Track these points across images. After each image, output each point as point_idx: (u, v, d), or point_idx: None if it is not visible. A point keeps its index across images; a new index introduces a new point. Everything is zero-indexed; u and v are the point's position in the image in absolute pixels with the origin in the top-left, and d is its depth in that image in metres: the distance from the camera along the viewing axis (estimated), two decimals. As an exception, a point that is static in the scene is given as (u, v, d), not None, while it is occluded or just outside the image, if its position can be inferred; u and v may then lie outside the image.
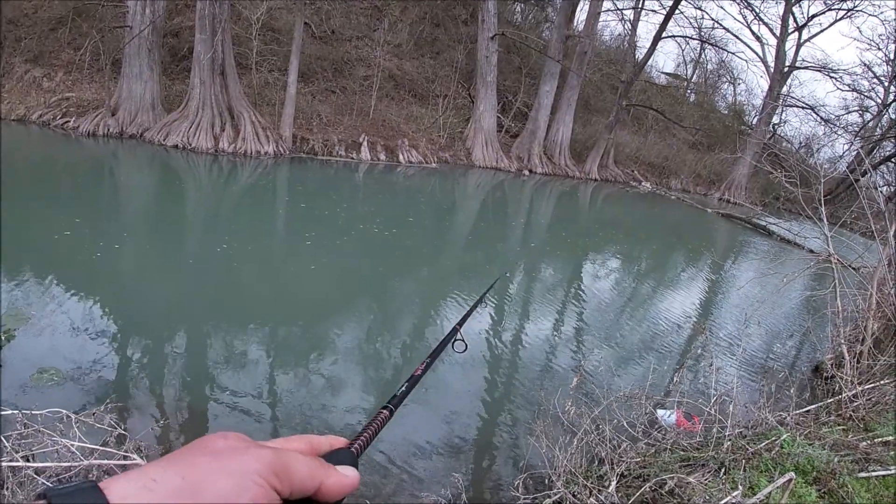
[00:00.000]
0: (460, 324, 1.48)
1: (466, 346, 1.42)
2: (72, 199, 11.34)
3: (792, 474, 3.50)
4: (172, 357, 6.08)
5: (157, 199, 13.27)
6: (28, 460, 3.40)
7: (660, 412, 5.63)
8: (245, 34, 20.47)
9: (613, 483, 3.81)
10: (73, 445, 3.49)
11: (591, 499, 3.76)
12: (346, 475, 0.60)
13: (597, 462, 4.62)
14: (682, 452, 4.66)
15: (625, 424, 5.09)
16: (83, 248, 8.49)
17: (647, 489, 3.82)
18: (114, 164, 16.18)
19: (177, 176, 15.78)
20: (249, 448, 0.53)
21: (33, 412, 3.65)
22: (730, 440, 4.60)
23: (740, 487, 3.54)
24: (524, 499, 4.17)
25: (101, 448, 3.63)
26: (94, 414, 3.95)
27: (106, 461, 3.56)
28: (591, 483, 4.08)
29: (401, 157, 22.44)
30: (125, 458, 3.63)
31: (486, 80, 25.50)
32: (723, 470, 4.25)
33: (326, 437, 0.65)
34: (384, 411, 0.81)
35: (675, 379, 6.82)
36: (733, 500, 3.34)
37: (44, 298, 6.68)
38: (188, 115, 17.93)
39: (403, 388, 0.93)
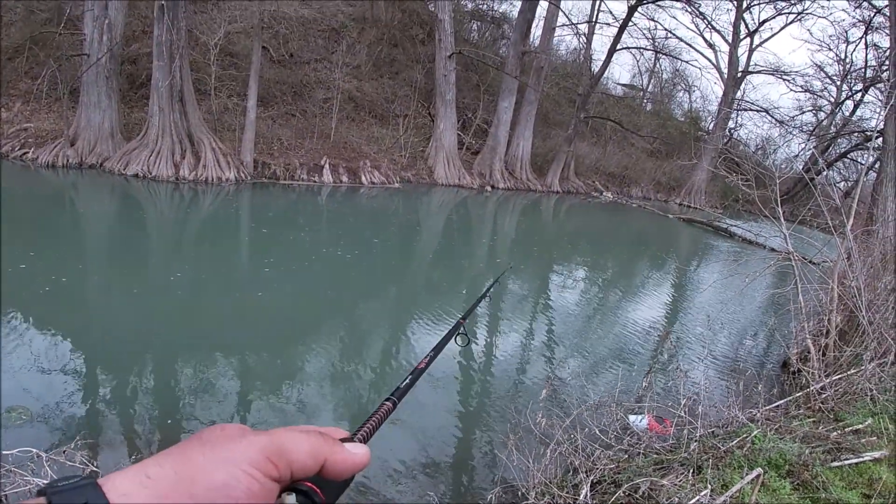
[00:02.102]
0: (464, 318, 1.47)
1: (469, 340, 1.40)
2: (30, 232, 11.00)
3: (760, 469, 3.49)
4: (139, 390, 5.91)
5: (117, 229, 12.96)
6: (1, 501, 3.28)
7: (631, 417, 5.61)
8: (203, 59, 20.27)
9: (585, 490, 3.75)
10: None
11: (564, 508, 3.70)
12: (354, 452, 0.57)
13: (571, 471, 4.57)
14: (655, 456, 4.64)
15: (597, 432, 5.05)
16: (37, 281, 8.21)
17: (622, 494, 3.78)
18: (73, 195, 15.81)
19: (137, 205, 15.47)
20: (245, 436, 0.51)
21: (3, 452, 3.57)
22: (701, 440, 4.59)
23: (709, 486, 3.52)
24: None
25: None
26: (64, 452, 3.84)
27: (79, 499, 3.44)
28: (566, 492, 4.02)
29: (363, 178, 22.36)
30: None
31: (446, 98, 25.65)
32: (696, 470, 4.24)
33: (328, 428, 0.61)
34: (387, 403, 0.82)
35: (644, 384, 6.81)
36: (704, 499, 3.31)
37: (4, 335, 6.45)
38: (148, 144, 17.62)
39: (407, 381, 0.94)
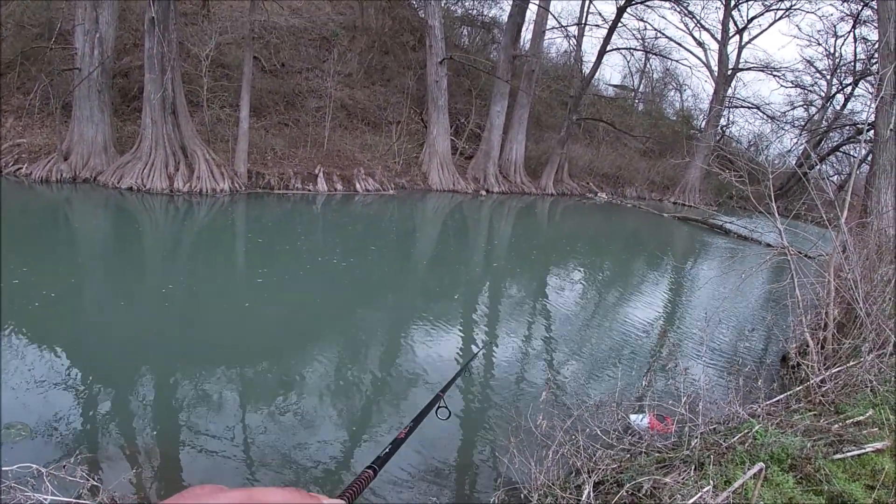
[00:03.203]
0: (443, 391, 1.48)
1: (450, 413, 1.42)
2: (24, 248, 10.95)
3: (761, 464, 3.48)
4: (140, 402, 5.89)
5: (112, 243, 12.92)
6: None
7: (632, 417, 5.60)
8: (195, 71, 20.25)
9: (588, 490, 3.74)
10: (46, 500, 3.44)
11: (567, 508, 3.68)
12: None
13: (573, 472, 4.56)
14: (657, 454, 4.63)
15: (598, 432, 5.04)
16: (31, 296, 8.17)
17: (625, 493, 3.76)
18: (68, 210, 15.76)
19: (131, 219, 15.43)
20: (222, 491, 0.53)
21: (4, 468, 3.58)
22: (703, 437, 4.59)
23: (712, 482, 3.51)
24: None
25: (75, 501, 3.57)
26: (64, 467, 3.83)
27: (81, 513, 3.47)
28: (569, 493, 4.01)
29: (357, 186, 22.36)
30: None
31: (438, 104, 25.68)
32: (699, 467, 4.23)
33: (313, 494, 0.62)
34: (368, 471, 0.82)
35: (644, 383, 6.81)
36: (707, 496, 3.30)
37: (3, 351, 6.43)
38: (141, 157, 17.58)
39: (388, 450, 0.97)
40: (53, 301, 8.21)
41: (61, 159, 17.48)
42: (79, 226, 14.34)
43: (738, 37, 33.96)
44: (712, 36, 34.32)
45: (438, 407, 1.42)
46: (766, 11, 33.10)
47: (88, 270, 10.55)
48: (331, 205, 19.90)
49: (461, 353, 8.16)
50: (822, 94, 36.10)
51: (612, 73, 71.71)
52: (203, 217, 16.16)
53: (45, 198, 16.16)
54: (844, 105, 34.95)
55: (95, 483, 3.86)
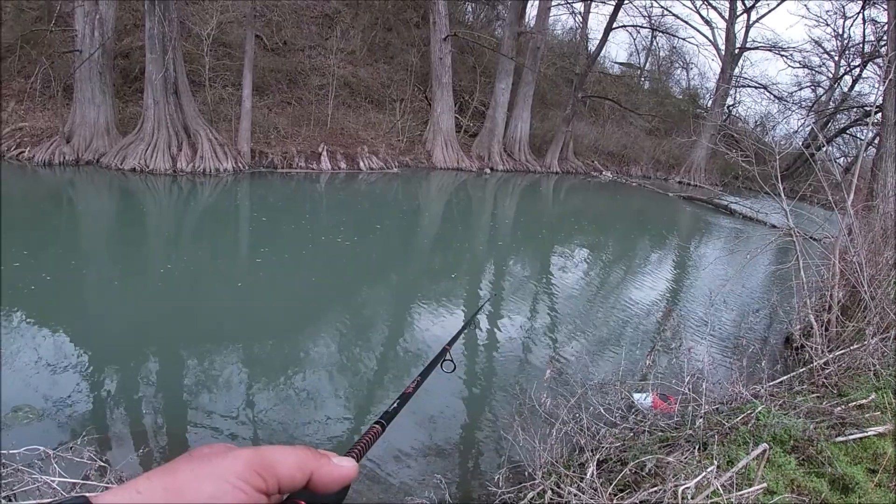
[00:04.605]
0: (450, 344, 1.51)
1: (455, 366, 1.48)
2: (28, 231, 10.98)
3: (765, 445, 3.51)
4: (145, 383, 5.95)
5: (115, 225, 12.95)
6: (10, 500, 3.33)
7: (636, 395, 5.63)
8: (196, 51, 20.10)
9: (591, 469, 3.78)
10: (53, 482, 3.43)
11: (571, 487, 3.72)
12: (341, 464, 0.57)
13: (577, 451, 4.60)
14: (660, 433, 4.66)
15: (602, 411, 5.08)
16: (34, 278, 8.21)
17: (628, 472, 3.80)
18: (71, 192, 15.79)
19: (135, 200, 15.44)
20: (231, 451, 0.52)
21: (10, 451, 3.58)
22: (706, 417, 4.62)
23: (715, 462, 3.54)
24: (506, 493, 4.13)
25: (83, 482, 3.58)
26: (72, 448, 3.86)
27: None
28: (572, 471, 4.05)
29: (361, 164, 22.29)
30: (107, 490, 3.54)
31: (442, 81, 25.48)
32: (702, 447, 4.26)
33: (323, 452, 0.61)
34: (376, 426, 0.82)
35: (648, 362, 6.84)
36: (711, 475, 3.33)
37: (5, 334, 6.47)
38: (144, 137, 17.53)
39: (395, 405, 0.96)
40: (55, 283, 8.25)
41: (64, 142, 17.43)
42: (82, 208, 14.37)
43: (745, 15, 33.50)
44: (720, 14, 33.89)
45: (444, 360, 1.45)
46: (775, -10, 32.64)
47: (92, 252, 10.60)
48: (334, 183, 19.87)
49: (466, 331, 8.19)
50: (830, 76, 35.70)
51: (618, 50, 71.22)
52: (207, 197, 16.16)
53: (47, 181, 16.16)
54: (852, 87, 34.58)
55: (103, 464, 3.88)
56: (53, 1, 20.28)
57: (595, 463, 3.95)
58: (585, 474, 3.87)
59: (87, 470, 3.77)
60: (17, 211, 12.15)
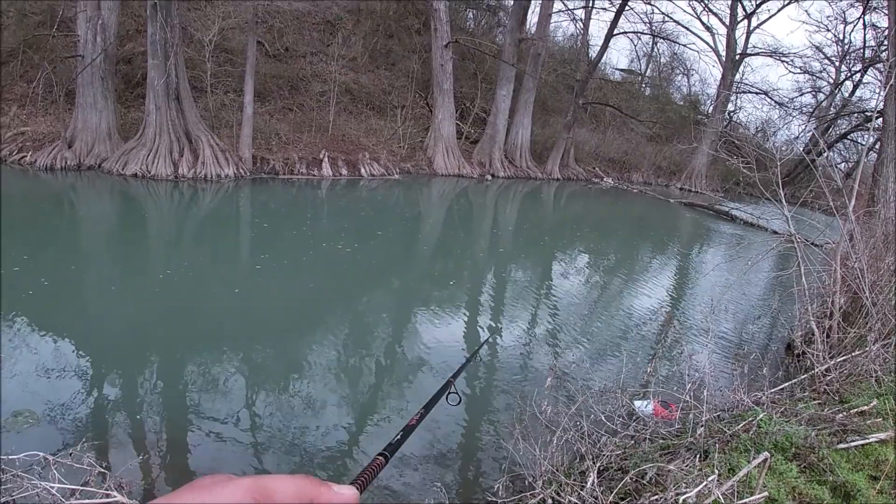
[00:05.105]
0: (454, 377, 1.53)
1: (460, 398, 1.50)
2: (30, 235, 10.99)
3: (767, 454, 3.49)
4: (145, 389, 5.94)
5: (116, 230, 12.96)
6: None
7: (637, 403, 5.61)
8: (198, 56, 20.18)
9: (592, 477, 3.76)
10: (53, 488, 3.42)
11: (571, 496, 3.70)
12: (341, 492, 0.58)
13: (578, 459, 4.58)
14: (661, 441, 4.64)
15: (603, 419, 5.06)
16: (34, 283, 8.21)
17: (629, 480, 3.78)
18: (73, 197, 15.80)
19: (136, 205, 15.47)
20: (231, 481, 0.53)
21: (10, 457, 3.58)
22: (707, 425, 4.60)
23: (716, 471, 3.52)
24: (506, 502, 4.11)
25: (82, 488, 3.56)
26: (71, 454, 3.82)
27: (88, 501, 3.49)
28: (573, 480, 4.03)
29: (362, 170, 22.31)
30: (107, 496, 3.57)
31: (443, 88, 25.52)
32: (703, 454, 4.24)
33: (325, 482, 0.62)
34: (380, 458, 0.84)
35: (649, 370, 6.81)
36: (711, 485, 3.31)
37: (7, 340, 6.46)
38: (145, 143, 17.56)
39: (399, 437, 0.97)
40: (55, 288, 8.25)
41: (65, 147, 17.48)
42: (83, 213, 14.38)
43: (746, 21, 33.59)
44: (720, 20, 33.98)
45: (449, 393, 1.46)
46: (775, -3, 32.73)
47: (92, 257, 10.60)
48: (336, 190, 19.88)
49: (467, 338, 8.19)
50: (831, 81, 35.77)
51: (619, 57, 71.41)
52: (208, 203, 16.18)
53: (49, 186, 16.19)
54: (853, 92, 34.65)
55: (103, 470, 3.86)
56: (56, 5, 20.38)
57: (596, 471, 3.93)
58: (586, 483, 3.85)
59: (87, 476, 3.74)
60: (18, 212, 12.15)
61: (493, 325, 9.03)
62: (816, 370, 6.32)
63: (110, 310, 8.03)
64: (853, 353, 6.62)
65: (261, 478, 0.53)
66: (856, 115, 32.67)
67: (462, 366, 1.84)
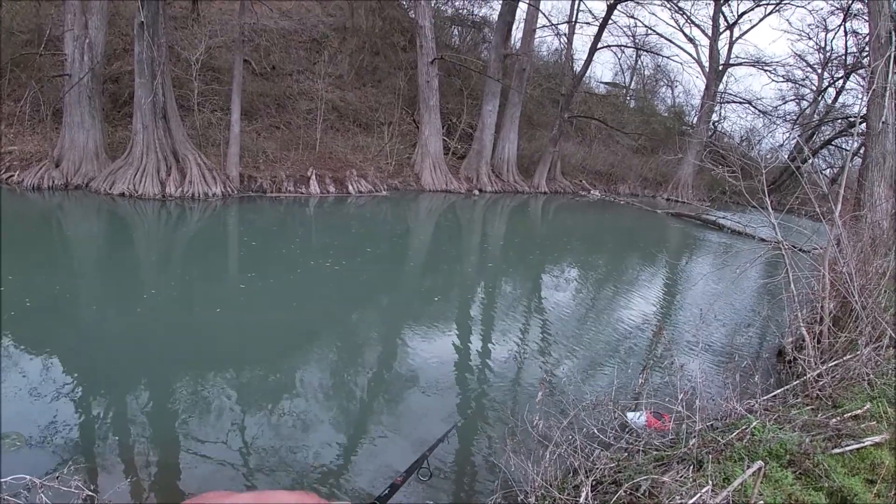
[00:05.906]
0: (430, 451, 1.66)
1: (431, 474, 1.64)
2: (17, 254, 10.84)
3: (761, 462, 3.45)
4: (132, 410, 5.83)
5: (103, 250, 12.83)
6: None
7: (629, 415, 5.57)
8: (185, 75, 20.17)
9: (586, 491, 3.70)
10: None
11: (565, 510, 3.64)
12: None
13: (571, 473, 4.52)
14: (655, 452, 4.59)
15: (595, 431, 5.01)
16: (20, 303, 8.09)
17: (623, 494, 3.73)
18: (60, 216, 15.66)
19: (123, 225, 15.34)
20: (232, 496, 0.53)
21: None
22: (701, 434, 4.55)
23: (711, 482, 3.47)
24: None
25: None
26: (58, 477, 3.76)
27: (75, 525, 3.42)
28: (566, 495, 3.97)
29: (350, 187, 22.28)
30: None
31: (429, 104, 25.60)
32: (698, 465, 4.19)
33: (324, 501, 0.63)
34: None
35: (640, 381, 6.77)
36: (706, 496, 3.26)
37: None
38: (133, 162, 17.45)
39: (387, 492, 1.07)
40: (40, 308, 8.13)
41: (53, 166, 17.36)
42: (70, 233, 14.24)
43: (728, 32, 34.04)
44: (703, 32, 34.46)
45: (421, 467, 1.53)
46: (757, 6, 33.17)
47: (79, 277, 10.47)
48: (324, 207, 19.83)
49: (457, 354, 8.13)
50: (814, 88, 36.29)
51: (604, 70, 71.88)
52: (195, 222, 16.08)
53: (36, 205, 16.04)
54: (836, 98, 35.13)
55: (90, 493, 3.80)
56: (43, 24, 20.34)
57: (589, 485, 3.87)
58: (580, 497, 3.79)
59: (75, 499, 3.67)
60: (4, 232, 12.00)
61: (483, 339, 8.97)
62: (808, 376, 6.31)
63: (95, 330, 7.92)
64: (845, 358, 6.62)
65: (262, 493, 0.54)
66: (839, 120, 33.08)
67: (437, 441, 2.00)
